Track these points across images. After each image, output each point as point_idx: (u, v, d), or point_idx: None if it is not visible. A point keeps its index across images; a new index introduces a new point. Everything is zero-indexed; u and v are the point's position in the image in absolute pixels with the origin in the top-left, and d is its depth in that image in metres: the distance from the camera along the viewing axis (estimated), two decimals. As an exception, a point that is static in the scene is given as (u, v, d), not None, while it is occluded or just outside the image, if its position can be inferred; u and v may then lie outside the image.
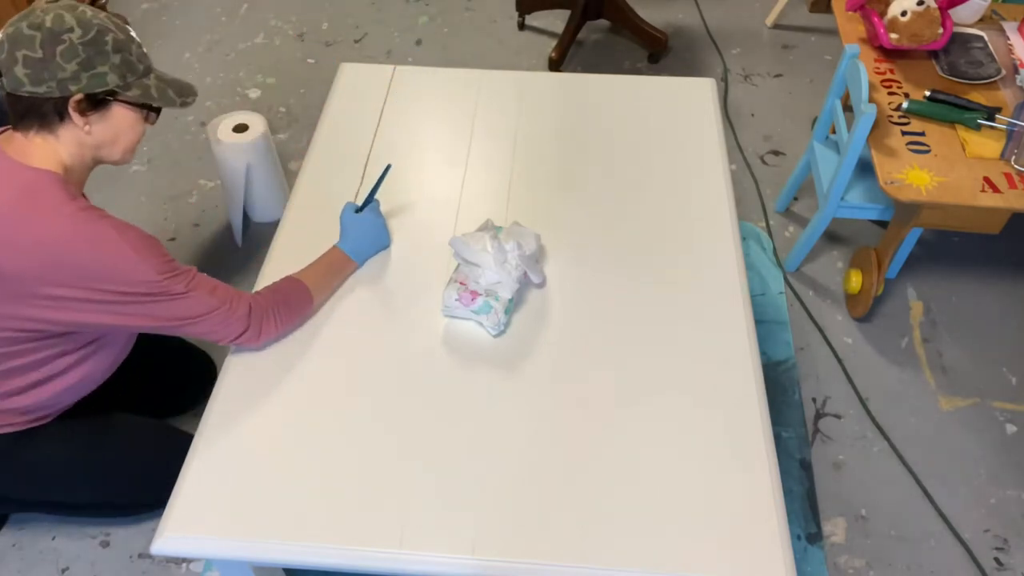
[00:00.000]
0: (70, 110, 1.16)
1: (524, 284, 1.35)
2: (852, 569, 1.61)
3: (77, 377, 1.35)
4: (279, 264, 1.40)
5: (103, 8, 1.43)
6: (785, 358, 1.95)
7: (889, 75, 1.91)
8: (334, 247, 1.38)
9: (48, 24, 1.12)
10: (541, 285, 1.36)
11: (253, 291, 1.29)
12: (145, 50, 1.23)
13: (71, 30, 1.12)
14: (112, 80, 1.16)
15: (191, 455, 1.16)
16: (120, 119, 1.22)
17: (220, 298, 1.22)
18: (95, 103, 1.18)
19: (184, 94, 1.26)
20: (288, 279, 1.30)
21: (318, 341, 1.29)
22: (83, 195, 1.27)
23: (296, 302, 1.28)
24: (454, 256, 1.33)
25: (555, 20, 3.00)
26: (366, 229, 1.39)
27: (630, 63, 2.84)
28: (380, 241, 1.42)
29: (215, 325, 1.22)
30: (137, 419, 1.59)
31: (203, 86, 2.72)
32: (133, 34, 1.22)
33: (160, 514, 1.12)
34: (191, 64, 2.80)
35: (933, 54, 1.94)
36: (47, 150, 1.18)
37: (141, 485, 1.56)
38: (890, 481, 1.74)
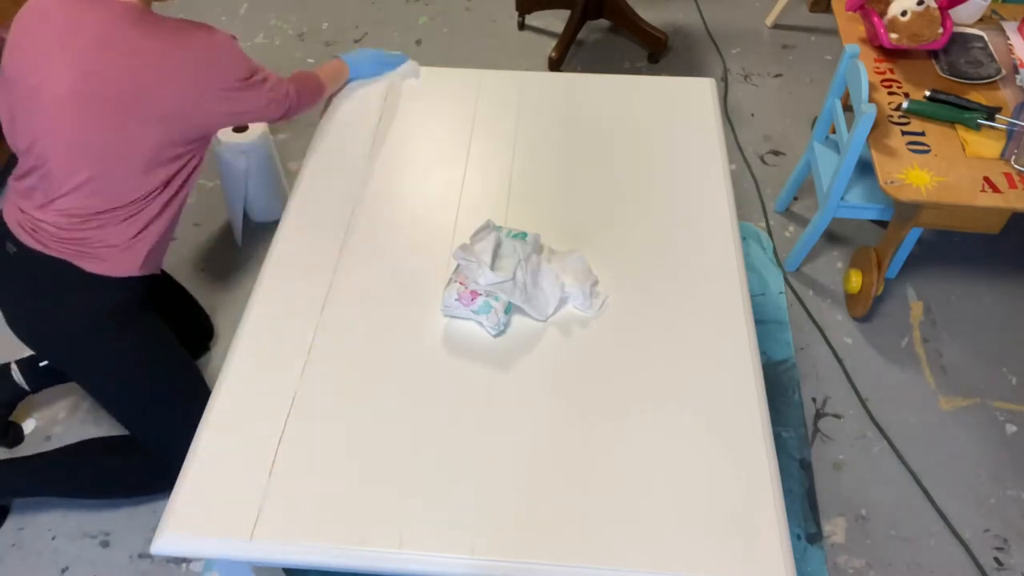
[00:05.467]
0: None
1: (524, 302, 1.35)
2: (852, 569, 1.61)
3: (168, 219, 1.51)
4: (279, 264, 1.40)
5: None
6: (785, 358, 1.95)
7: (889, 75, 1.91)
8: (338, 59, 1.71)
9: None
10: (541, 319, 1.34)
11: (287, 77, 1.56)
12: None
13: None
14: None
15: (191, 455, 1.16)
16: None
17: (282, 87, 1.50)
18: None
19: None
20: (309, 76, 1.60)
21: (318, 341, 1.29)
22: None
23: (315, 94, 1.61)
24: (457, 258, 1.33)
25: (555, 20, 3.00)
26: (368, 54, 1.74)
27: (630, 63, 2.84)
28: (379, 61, 1.74)
29: (275, 109, 1.50)
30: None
31: (203, 86, 2.72)
32: None
33: (160, 510, 1.12)
34: (191, 64, 2.80)
35: (933, 54, 1.94)
36: None
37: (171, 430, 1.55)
38: (890, 481, 1.74)
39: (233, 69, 1.38)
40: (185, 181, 1.49)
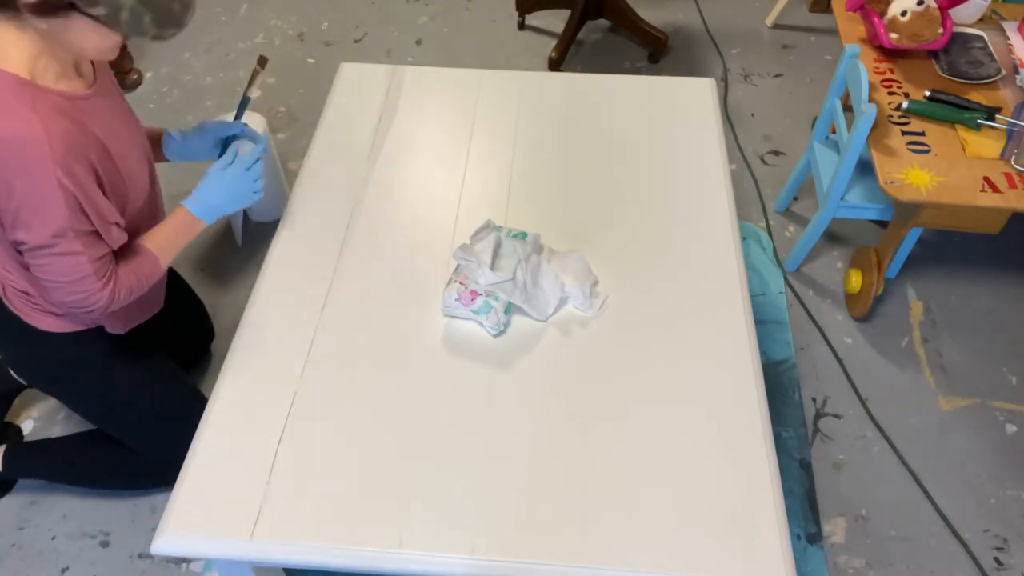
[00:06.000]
0: (21, 6, 1.04)
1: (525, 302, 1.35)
2: (852, 569, 1.61)
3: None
4: (279, 264, 1.40)
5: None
6: (785, 358, 1.95)
7: (889, 75, 1.91)
8: (181, 206, 1.34)
9: None
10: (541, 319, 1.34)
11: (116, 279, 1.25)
12: None
13: None
14: None
15: (191, 455, 1.16)
16: (77, 31, 1.07)
17: (98, 276, 1.20)
18: (52, 8, 1.04)
19: (165, 24, 1.10)
20: (143, 254, 1.29)
21: (318, 341, 1.29)
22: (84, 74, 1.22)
23: (148, 277, 1.30)
24: (458, 259, 1.33)
25: (555, 20, 3.00)
26: (225, 183, 1.35)
27: (630, 63, 2.84)
28: (238, 196, 1.36)
29: (81, 296, 1.20)
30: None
31: (203, 86, 2.72)
32: None
33: (160, 510, 1.12)
34: (191, 64, 2.80)
35: (933, 54, 1.94)
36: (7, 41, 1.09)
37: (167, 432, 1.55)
38: (890, 481, 1.74)
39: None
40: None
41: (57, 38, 1.09)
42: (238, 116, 1.43)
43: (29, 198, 1.10)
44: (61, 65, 1.16)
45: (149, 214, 1.40)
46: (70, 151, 1.11)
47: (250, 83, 1.42)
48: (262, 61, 1.42)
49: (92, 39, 1.09)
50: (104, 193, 1.20)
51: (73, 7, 1.04)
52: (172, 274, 1.82)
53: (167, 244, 1.34)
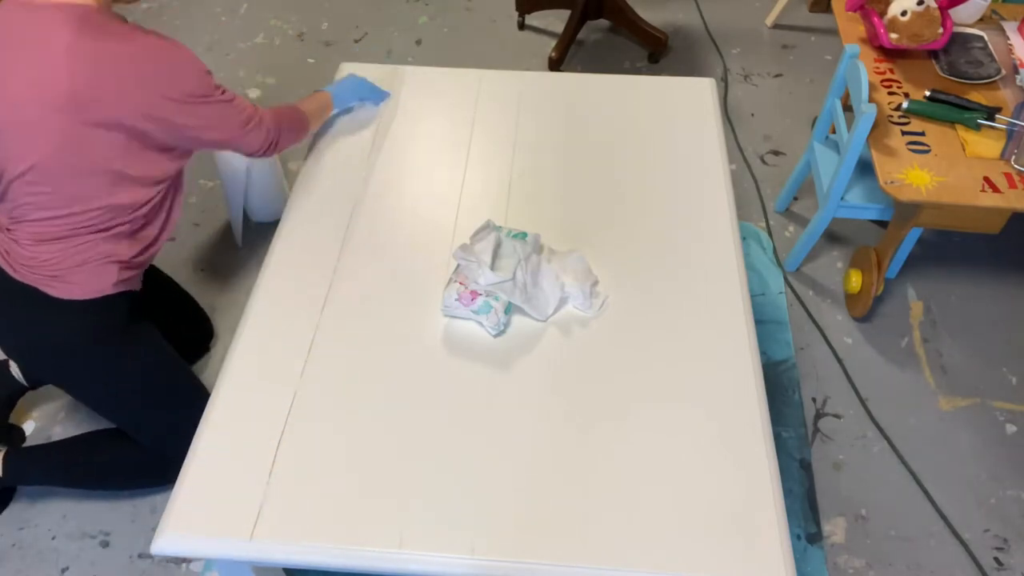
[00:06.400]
0: None
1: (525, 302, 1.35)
2: (852, 569, 1.61)
3: (145, 240, 1.45)
4: (279, 264, 1.40)
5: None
6: (785, 358, 1.95)
7: (889, 75, 1.91)
8: (323, 91, 1.63)
9: None
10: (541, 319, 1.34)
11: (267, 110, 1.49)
12: None
13: None
14: None
15: (191, 455, 1.16)
16: None
17: (252, 109, 1.42)
18: None
19: None
20: (291, 108, 1.53)
21: (318, 341, 1.29)
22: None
23: (299, 128, 1.54)
24: (458, 259, 1.33)
25: (555, 20, 3.00)
26: (352, 84, 1.66)
27: (630, 63, 2.84)
28: (362, 93, 1.68)
29: (253, 136, 1.42)
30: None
31: (203, 86, 2.72)
32: None
33: (160, 510, 1.12)
34: (191, 64, 2.80)
35: (933, 54, 1.94)
36: None
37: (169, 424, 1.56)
38: (890, 481, 1.74)
39: (188, 79, 1.27)
40: (160, 205, 1.42)
41: None
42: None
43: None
44: None
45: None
46: None
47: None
48: None
49: None
50: None
51: None
52: (164, 279, 1.81)
53: (311, 109, 1.59)
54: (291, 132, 1.52)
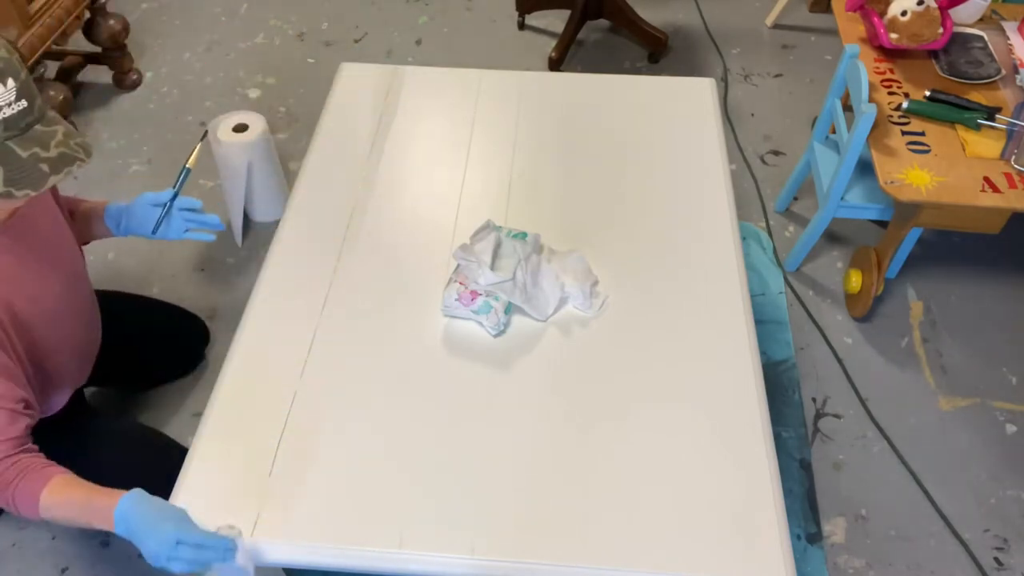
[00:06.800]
0: None
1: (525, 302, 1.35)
2: (852, 569, 1.61)
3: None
4: (279, 264, 1.40)
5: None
6: (785, 358, 1.95)
7: (889, 75, 1.91)
8: (114, 503, 1.07)
9: None
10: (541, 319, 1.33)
11: None
12: (7, 114, 1.03)
13: None
14: None
15: (191, 455, 1.16)
16: None
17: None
18: None
19: (24, 183, 1.04)
20: (33, 490, 1.11)
21: (317, 341, 1.29)
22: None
23: (16, 507, 1.13)
24: (458, 259, 1.33)
25: (555, 20, 3.00)
26: (153, 520, 1.04)
27: (630, 63, 2.84)
28: (150, 552, 1.04)
29: None
30: (123, 425, 1.60)
31: (203, 86, 2.72)
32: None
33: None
34: (191, 64, 2.80)
35: (933, 54, 1.94)
36: None
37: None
38: (890, 481, 1.74)
39: None
40: None
41: None
42: (177, 185, 1.37)
43: None
44: None
45: (74, 331, 1.37)
46: None
47: (190, 154, 1.40)
48: (204, 135, 1.45)
49: None
50: None
51: None
52: (132, 301, 1.77)
53: (63, 511, 1.11)
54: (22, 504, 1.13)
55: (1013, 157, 1.71)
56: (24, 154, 1.05)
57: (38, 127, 1.08)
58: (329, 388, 1.23)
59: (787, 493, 1.70)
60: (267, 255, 1.42)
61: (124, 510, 1.06)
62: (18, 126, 1.05)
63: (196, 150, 1.40)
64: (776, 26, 2.98)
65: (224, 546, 1.01)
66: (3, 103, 1.02)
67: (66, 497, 1.10)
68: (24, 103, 1.05)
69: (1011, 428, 1.84)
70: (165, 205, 1.39)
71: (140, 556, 1.61)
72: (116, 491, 1.08)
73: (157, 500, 1.07)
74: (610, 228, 1.46)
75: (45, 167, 1.07)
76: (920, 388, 1.91)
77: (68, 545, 1.63)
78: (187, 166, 1.38)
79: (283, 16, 3.02)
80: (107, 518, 1.07)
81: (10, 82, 1.03)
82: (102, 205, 1.46)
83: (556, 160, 1.59)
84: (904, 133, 1.78)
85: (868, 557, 1.63)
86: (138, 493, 1.07)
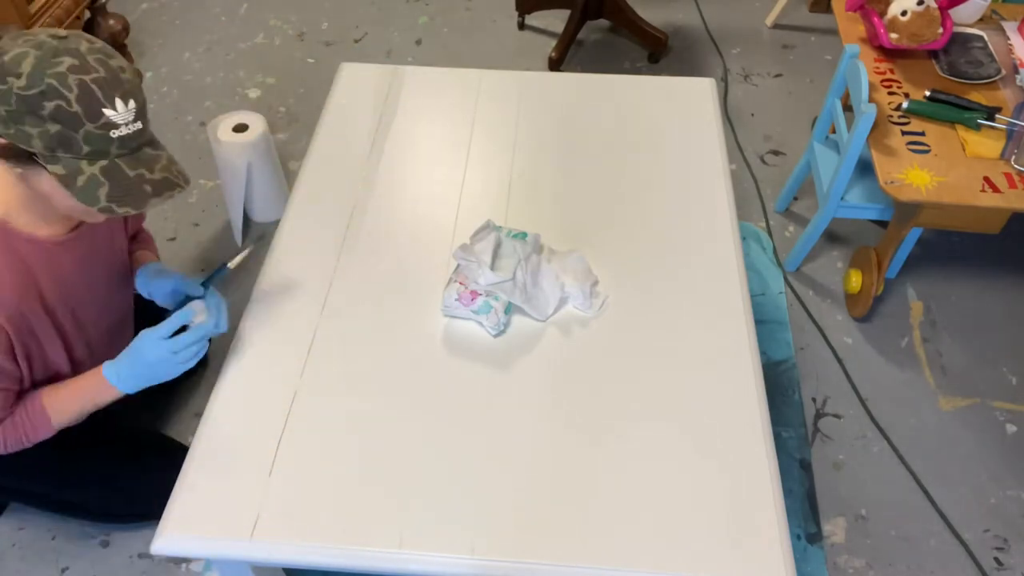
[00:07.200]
0: None
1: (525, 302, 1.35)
2: (852, 569, 1.61)
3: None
4: (279, 264, 1.40)
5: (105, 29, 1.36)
6: (785, 358, 1.95)
7: (889, 75, 1.91)
8: (99, 369, 1.23)
9: (4, 58, 1.00)
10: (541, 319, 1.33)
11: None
12: (123, 132, 1.05)
13: (18, 76, 0.99)
14: (36, 145, 1.01)
15: (191, 455, 1.16)
16: (47, 184, 1.07)
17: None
18: (19, 155, 1.04)
19: (122, 203, 1.06)
20: (36, 407, 1.24)
21: (318, 341, 1.29)
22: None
23: (33, 435, 1.25)
24: (458, 259, 1.33)
25: (555, 20, 3.00)
26: (149, 355, 1.20)
27: (630, 63, 2.84)
28: (159, 373, 1.21)
29: None
30: (135, 431, 1.62)
31: (203, 86, 2.72)
32: (112, 113, 1.03)
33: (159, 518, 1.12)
34: (191, 64, 2.80)
35: (933, 54, 1.94)
36: None
37: (136, 497, 1.56)
38: (890, 481, 1.74)
39: None
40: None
41: (32, 186, 1.10)
42: (208, 281, 1.32)
43: None
44: (40, 212, 1.17)
45: (111, 339, 1.43)
46: None
47: (235, 257, 1.33)
48: (249, 248, 1.36)
49: (57, 195, 1.08)
50: (14, 357, 1.19)
51: (34, 159, 1.03)
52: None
53: (66, 405, 1.25)
54: (15, 443, 1.25)
55: (1013, 157, 1.71)
56: (131, 173, 1.07)
57: (147, 149, 1.10)
58: (329, 388, 1.23)
59: (787, 493, 1.70)
60: (267, 255, 1.42)
61: (110, 367, 1.22)
62: (130, 146, 1.07)
63: (242, 256, 1.33)
64: (776, 26, 2.98)
65: (192, 313, 1.22)
66: (122, 122, 1.04)
67: (62, 399, 1.25)
68: (139, 124, 1.07)
69: (1011, 428, 1.84)
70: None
71: (140, 556, 1.61)
72: (94, 369, 1.24)
73: (129, 353, 1.21)
74: (610, 228, 1.46)
75: (148, 188, 1.09)
76: (920, 388, 1.91)
77: (68, 545, 1.63)
78: (226, 264, 1.33)
79: (283, 16, 3.02)
80: (104, 386, 1.23)
81: (131, 103, 1.05)
82: (145, 260, 1.47)
83: (556, 160, 1.59)
84: (904, 133, 1.78)
85: (868, 557, 1.63)
86: (117, 359, 1.23)
